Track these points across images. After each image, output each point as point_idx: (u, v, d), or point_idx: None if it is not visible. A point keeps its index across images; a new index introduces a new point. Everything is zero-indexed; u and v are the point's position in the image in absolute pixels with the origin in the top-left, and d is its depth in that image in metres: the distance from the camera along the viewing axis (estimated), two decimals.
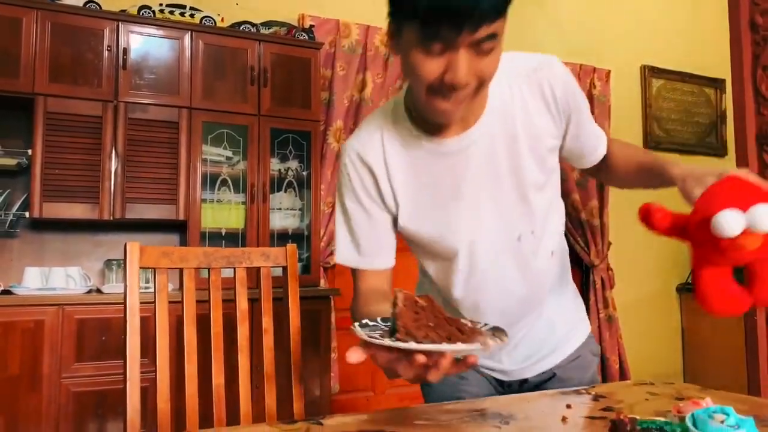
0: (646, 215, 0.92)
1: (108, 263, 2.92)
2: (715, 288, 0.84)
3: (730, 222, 0.76)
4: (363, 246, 1.08)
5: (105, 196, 2.73)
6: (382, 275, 1.09)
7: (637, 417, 0.50)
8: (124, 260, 1.21)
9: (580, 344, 1.22)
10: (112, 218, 2.74)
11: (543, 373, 1.19)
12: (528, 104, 1.05)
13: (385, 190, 1.06)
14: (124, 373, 1.14)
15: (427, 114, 0.97)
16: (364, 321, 0.81)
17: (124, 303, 1.19)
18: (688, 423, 0.42)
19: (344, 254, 1.10)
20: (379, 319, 0.84)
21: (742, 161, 1.89)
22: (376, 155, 1.06)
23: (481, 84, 0.91)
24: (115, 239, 3.02)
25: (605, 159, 1.21)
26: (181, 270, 1.28)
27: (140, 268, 1.22)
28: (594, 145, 1.18)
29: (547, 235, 1.12)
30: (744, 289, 0.84)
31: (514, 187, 1.06)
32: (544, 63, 1.08)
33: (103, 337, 2.53)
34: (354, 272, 1.11)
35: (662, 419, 0.49)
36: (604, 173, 1.23)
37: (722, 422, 0.41)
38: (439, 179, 1.05)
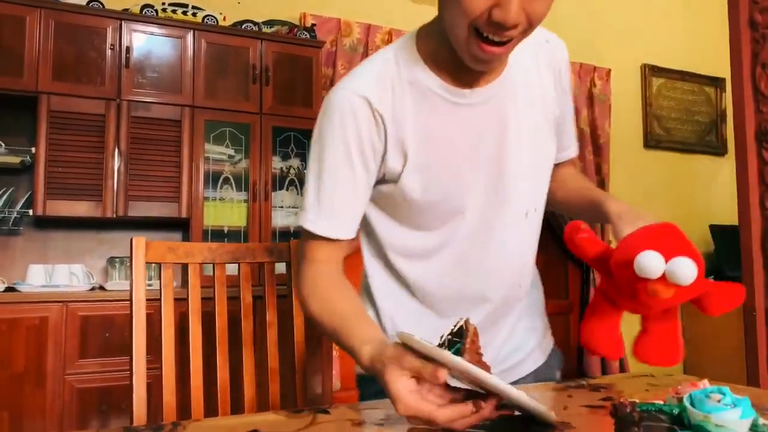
0: (573, 235, 0.88)
1: (111, 261, 2.94)
2: (602, 331, 0.88)
3: (651, 263, 0.76)
4: (336, 209, 0.95)
5: (108, 194, 2.75)
6: (341, 247, 0.97)
7: (637, 400, 0.52)
8: (131, 255, 1.22)
9: (550, 351, 1.15)
10: (115, 216, 2.76)
11: (516, 381, 1.08)
12: (542, 71, 1.01)
13: (391, 141, 0.93)
14: (131, 367, 1.16)
15: (466, 57, 0.87)
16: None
17: (130, 297, 1.20)
18: (686, 403, 0.44)
19: (310, 217, 0.95)
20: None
21: (741, 158, 1.91)
22: (384, 100, 0.93)
23: (530, 27, 0.84)
24: (118, 237, 3.04)
25: (554, 174, 1.11)
26: (186, 265, 1.29)
27: (146, 263, 1.23)
28: (567, 144, 1.13)
29: (541, 216, 1.06)
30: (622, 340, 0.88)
31: (531, 155, 0.99)
32: (555, 38, 1.05)
33: (106, 334, 2.55)
34: (306, 243, 0.97)
35: (661, 402, 0.50)
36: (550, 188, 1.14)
37: (719, 401, 0.43)
38: (455, 134, 0.95)
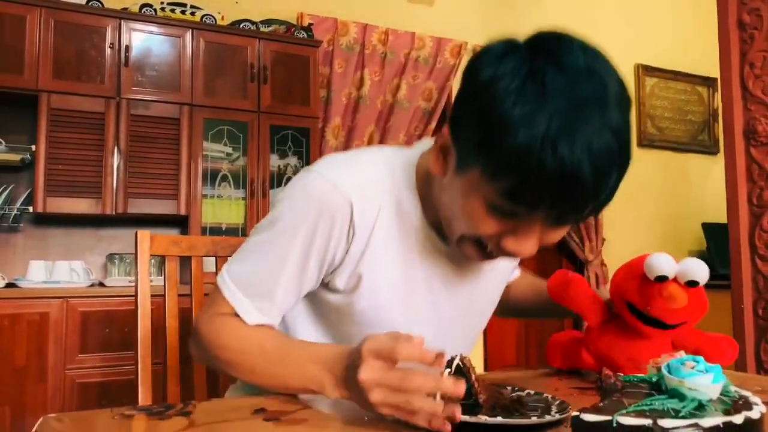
0: (566, 288, 0.94)
1: (110, 257, 2.96)
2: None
3: (662, 259, 0.81)
4: (265, 295, 0.86)
5: (107, 192, 2.78)
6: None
7: (621, 374, 0.56)
8: (135, 248, 1.26)
9: None
10: (114, 213, 2.79)
11: None
12: None
13: (350, 259, 0.86)
14: (136, 358, 1.19)
15: (452, 245, 0.82)
16: None
17: (135, 289, 1.23)
18: (664, 371, 0.48)
19: (239, 297, 0.85)
20: None
21: (730, 156, 1.95)
22: (366, 215, 0.84)
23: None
24: (117, 234, 3.07)
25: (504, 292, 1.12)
26: (189, 258, 1.32)
27: (150, 255, 1.26)
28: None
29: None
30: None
31: (486, 308, 1.01)
32: None
33: (106, 330, 2.58)
34: (222, 301, 0.87)
35: (642, 375, 0.54)
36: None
37: (692, 368, 0.47)
38: (423, 279, 0.90)
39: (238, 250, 0.91)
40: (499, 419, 0.67)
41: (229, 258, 1.05)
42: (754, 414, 0.44)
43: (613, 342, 0.91)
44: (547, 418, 0.67)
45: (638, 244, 4.32)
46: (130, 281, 2.84)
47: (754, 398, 0.47)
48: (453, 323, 0.96)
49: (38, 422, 0.71)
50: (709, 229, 4.30)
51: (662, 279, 0.83)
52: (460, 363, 0.72)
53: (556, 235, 0.75)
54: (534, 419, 0.66)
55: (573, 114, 0.63)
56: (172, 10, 3.03)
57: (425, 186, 0.86)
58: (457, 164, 0.74)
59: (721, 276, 3.51)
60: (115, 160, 2.80)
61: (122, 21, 2.87)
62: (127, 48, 2.86)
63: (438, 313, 0.93)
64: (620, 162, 0.68)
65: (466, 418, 0.66)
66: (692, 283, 0.83)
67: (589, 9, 4.48)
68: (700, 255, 4.57)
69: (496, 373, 0.94)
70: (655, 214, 4.53)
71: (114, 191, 2.79)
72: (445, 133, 0.77)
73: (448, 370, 0.72)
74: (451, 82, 3.85)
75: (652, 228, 4.46)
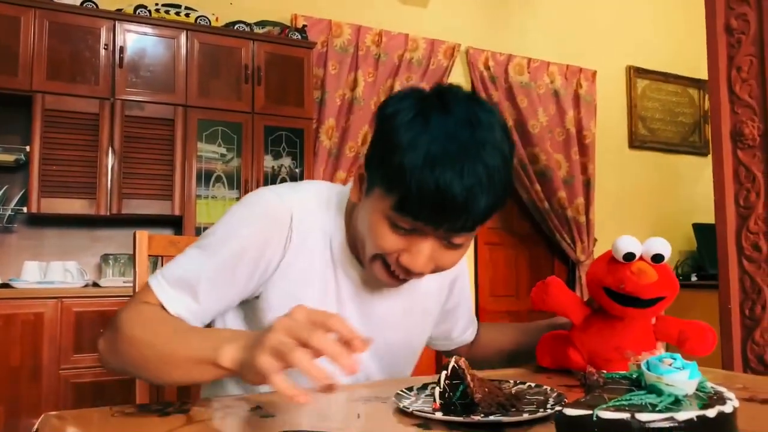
0: (544, 294, 0.99)
1: (105, 258, 2.97)
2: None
3: (626, 239, 0.89)
4: (200, 299, 0.88)
5: (102, 192, 2.79)
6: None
7: (604, 371, 0.58)
8: (134, 248, 1.27)
9: None
10: (108, 214, 2.80)
11: None
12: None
13: (283, 269, 0.92)
14: None
15: (370, 272, 0.90)
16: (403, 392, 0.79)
17: (133, 289, 1.25)
18: (643, 368, 0.50)
19: (168, 289, 0.86)
20: (415, 389, 0.81)
21: (717, 157, 1.98)
22: (304, 227, 0.92)
23: (435, 272, 0.87)
24: (111, 234, 3.08)
25: (475, 340, 1.21)
26: None
27: (149, 255, 1.28)
28: (465, 328, 1.20)
29: None
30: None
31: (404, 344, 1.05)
32: None
33: (101, 330, 2.57)
34: (148, 296, 0.88)
35: (624, 371, 0.57)
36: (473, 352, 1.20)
37: (670, 365, 0.49)
38: (344, 291, 0.96)
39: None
40: (490, 418, 0.69)
41: None
42: (727, 408, 0.46)
43: (597, 334, 0.96)
44: (539, 413, 0.70)
45: None
46: (124, 281, 2.85)
47: (729, 394, 0.49)
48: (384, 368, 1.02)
49: (39, 420, 0.73)
50: (700, 229, 4.35)
51: (630, 257, 0.90)
52: (456, 365, 0.74)
53: (450, 256, 0.86)
54: (526, 416, 0.69)
55: (450, 146, 0.77)
56: (167, 12, 3.04)
57: (350, 217, 0.95)
58: (367, 187, 0.86)
59: (712, 276, 3.55)
60: (110, 161, 2.81)
61: (117, 22, 2.88)
62: (122, 49, 2.87)
63: (375, 357, 0.98)
64: (489, 190, 0.78)
65: (460, 418, 0.69)
66: (657, 258, 0.90)
67: (581, 12, 4.52)
68: (691, 255, 4.62)
69: (490, 371, 0.98)
70: (646, 215, 4.57)
71: (108, 192, 2.80)
72: (361, 163, 0.89)
73: (445, 372, 0.75)
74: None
75: (643, 228, 4.49)
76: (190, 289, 0.87)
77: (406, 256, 0.83)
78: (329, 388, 0.60)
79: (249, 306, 0.97)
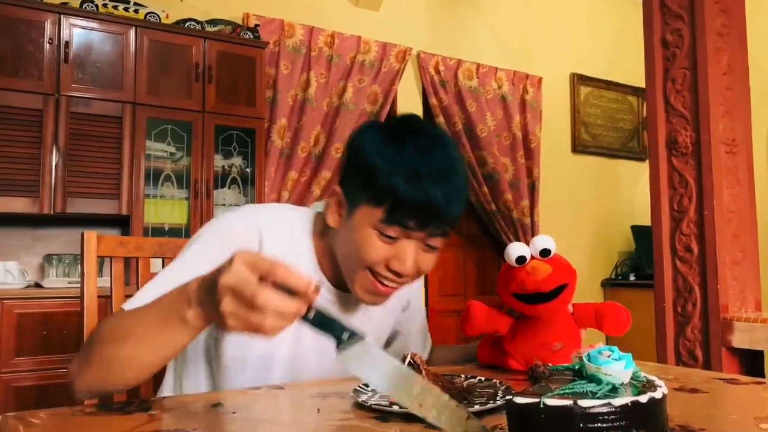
0: (465, 321, 1.09)
1: (48, 258, 2.89)
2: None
3: (515, 246, 1.01)
4: None
5: (45, 190, 2.71)
6: None
7: (550, 364, 0.63)
8: (81, 249, 1.25)
9: None
10: (52, 212, 2.72)
11: None
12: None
13: None
14: None
15: (358, 291, 0.96)
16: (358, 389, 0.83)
17: (81, 291, 1.23)
18: (585, 360, 0.55)
19: (134, 300, 0.88)
20: (362, 385, 0.84)
21: (653, 164, 2.10)
22: (274, 246, 0.97)
23: (419, 275, 0.97)
24: (55, 234, 2.99)
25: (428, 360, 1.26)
26: (136, 260, 1.33)
27: (97, 256, 1.26)
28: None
29: None
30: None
31: None
32: None
33: (44, 332, 2.52)
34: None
35: (567, 364, 0.62)
36: None
37: (608, 357, 0.54)
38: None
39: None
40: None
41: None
42: (658, 394, 0.52)
43: (524, 337, 1.04)
44: (489, 405, 0.74)
45: (571, 245, 4.51)
46: (69, 282, 2.78)
47: (659, 382, 0.55)
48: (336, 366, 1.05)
49: None
50: (638, 231, 4.54)
51: (522, 260, 1.01)
52: (411, 360, 0.79)
53: (429, 258, 0.95)
54: (477, 407, 0.74)
55: (430, 160, 0.90)
56: (115, 7, 2.98)
57: (319, 239, 1.03)
58: (348, 209, 0.95)
59: (649, 276, 3.72)
60: (54, 159, 2.73)
61: (62, 16, 2.80)
62: (67, 44, 2.80)
63: (325, 355, 0.99)
64: (462, 197, 0.92)
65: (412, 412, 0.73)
66: (545, 253, 1.01)
67: (529, 20, 4.66)
68: (629, 256, 4.82)
69: (442, 368, 1.03)
70: (588, 217, 4.75)
71: (52, 190, 2.72)
72: (337, 191, 0.97)
73: None
74: (396, 87, 3.93)
75: (584, 230, 4.67)
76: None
77: (396, 262, 0.92)
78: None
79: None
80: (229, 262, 0.66)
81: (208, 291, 0.68)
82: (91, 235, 1.29)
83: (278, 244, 0.98)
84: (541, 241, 1.01)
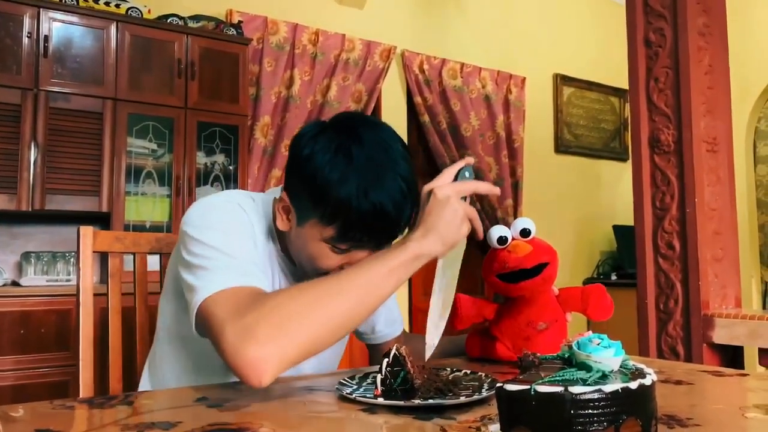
0: (457, 307, 1.10)
1: (26, 255, 2.84)
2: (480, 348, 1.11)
3: (497, 228, 1.03)
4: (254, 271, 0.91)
5: (24, 187, 2.66)
6: None
7: (539, 354, 0.63)
8: (78, 244, 1.22)
9: None
10: (30, 209, 2.67)
11: None
12: None
13: None
14: (77, 356, 1.16)
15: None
16: (345, 382, 0.84)
17: (77, 286, 1.20)
18: (574, 347, 0.55)
19: (232, 276, 0.87)
20: (357, 378, 0.86)
21: (636, 162, 2.12)
22: (254, 227, 1.00)
23: None
24: (33, 231, 2.94)
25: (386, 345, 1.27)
26: (133, 255, 1.30)
27: (93, 252, 1.24)
28: (392, 320, 1.26)
29: None
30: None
31: None
32: None
33: (21, 331, 2.47)
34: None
35: (557, 353, 0.62)
36: None
37: (598, 344, 0.54)
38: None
39: (191, 275, 0.89)
40: (429, 401, 0.73)
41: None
42: (647, 381, 0.52)
43: (509, 318, 1.07)
44: (475, 396, 0.74)
45: (554, 244, 4.51)
46: (48, 281, 2.74)
47: (648, 370, 0.55)
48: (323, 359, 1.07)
49: None
50: (619, 231, 4.59)
51: (503, 240, 1.04)
52: (397, 353, 0.79)
53: None
54: (463, 398, 0.73)
55: (374, 172, 0.88)
56: (96, 1, 2.94)
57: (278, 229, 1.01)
58: (298, 220, 0.94)
59: (630, 275, 3.76)
60: (32, 155, 2.68)
61: (41, 10, 2.75)
62: (47, 38, 2.75)
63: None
64: (412, 199, 0.92)
65: (401, 402, 0.73)
66: (525, 233, 1.04)
67: (513, 21, 4.68)
68: (611, 255, 4.86)
69: (429, 361, 1.04)
70: (570, 216, 4.78)
71: (30, 186, 2.67)
72: (284, 197, 0.96)
73: (386, 360, 0.79)
74: (380, 85, 3.92)
75: (567, 229, 4.70)
76: (252, 277, 0.88)
77: (349, 266, 0.91)
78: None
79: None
80: (448, 201, 0.89)
81: (433, 215, 0.88)
82: (87, 230, 1.26)
83: (255, 216, 1.00)
84: (521, 222, 1.04)
